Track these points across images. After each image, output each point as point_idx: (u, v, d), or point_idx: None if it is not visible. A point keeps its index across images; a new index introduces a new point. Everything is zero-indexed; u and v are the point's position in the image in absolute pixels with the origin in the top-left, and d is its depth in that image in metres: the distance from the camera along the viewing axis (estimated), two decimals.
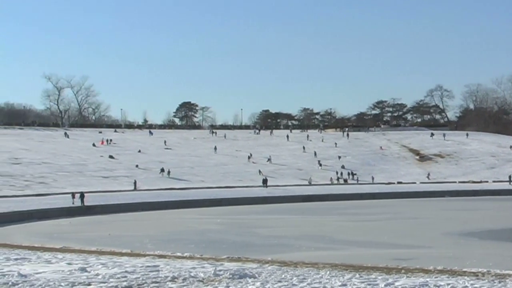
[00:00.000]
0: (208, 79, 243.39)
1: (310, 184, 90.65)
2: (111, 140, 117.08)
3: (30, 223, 49.01)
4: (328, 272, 14.71)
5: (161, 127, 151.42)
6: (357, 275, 14.17)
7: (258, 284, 12.83)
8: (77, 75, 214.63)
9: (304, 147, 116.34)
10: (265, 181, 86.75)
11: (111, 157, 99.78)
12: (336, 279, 13.60)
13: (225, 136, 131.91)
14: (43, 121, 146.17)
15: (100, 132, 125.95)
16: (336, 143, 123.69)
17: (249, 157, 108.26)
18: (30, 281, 13.10)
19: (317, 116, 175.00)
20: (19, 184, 78.02)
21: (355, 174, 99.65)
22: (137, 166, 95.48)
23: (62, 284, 12.71)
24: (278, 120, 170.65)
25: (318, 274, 14.40)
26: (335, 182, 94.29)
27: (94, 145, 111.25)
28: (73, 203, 59.74)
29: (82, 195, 60.31)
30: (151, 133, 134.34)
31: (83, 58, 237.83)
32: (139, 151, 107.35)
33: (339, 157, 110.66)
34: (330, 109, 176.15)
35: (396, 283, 13.09)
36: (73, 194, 60.90)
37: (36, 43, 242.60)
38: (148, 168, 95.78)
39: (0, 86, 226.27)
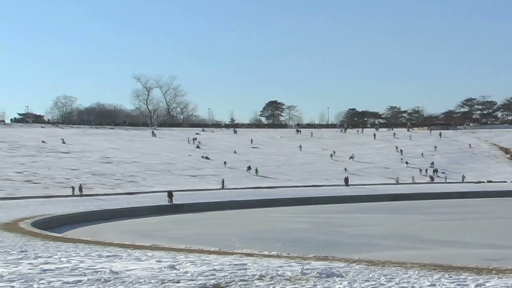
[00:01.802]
0: (294, 78, 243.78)
1: (397, 183, 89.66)
2: (195, 139, 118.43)
3: (121, 221, 49.96)
4: (416, 272, 14.56)
5: (248, 126, 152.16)
6: (446, 275, 13.98)
7: (345, 283, 12.79)
8: (165, 76, 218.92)
9: (397, 147, 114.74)
10: (346, 180, 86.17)
11: (206, 158, 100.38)
12: (424, 279, 13.45)
13: (311, 135, 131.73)
14: (132, 121, 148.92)
15: (198, 134, 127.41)
16: (424, 142, 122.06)
17: (331, 155, 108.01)
18: (121, 278, 13.38)
19: (404, 115, 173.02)
20: (110, 183, 79.63)
21: (443, 172, 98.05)
22: (225, 163, 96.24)
23: (152, 281, 12.93)
24: (365, 119, 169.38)
25: (406, 274, 14.27)
26: (419, 181, 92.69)
27: (191, 140, 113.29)
28: (168, 202, 60.71)
29: (171, 194, 61.23)
30: (235, 131, 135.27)
31: (171, 58, 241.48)
32: (235, 151, 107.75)
33: (426, 156, 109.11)
34: (418, 107, 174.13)
35: (487, 284, 12.86)
36: (169, 193, 61.92)
37: (126, 44, 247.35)
38: (235, 167, 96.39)
39: (91, 87, 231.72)
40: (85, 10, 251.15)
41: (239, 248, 25.70)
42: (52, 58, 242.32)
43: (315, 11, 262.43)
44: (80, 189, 69.74)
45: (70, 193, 68.19)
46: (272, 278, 13.47)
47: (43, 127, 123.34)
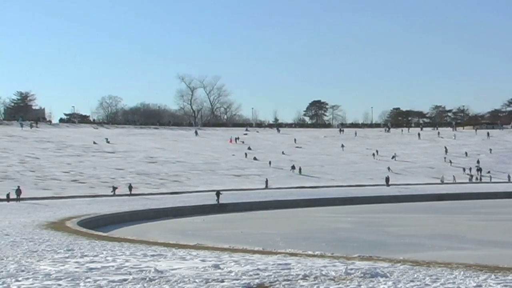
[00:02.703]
0: (338, 77, 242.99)
1: (442, 183, 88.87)
2: (238, 138, 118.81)
3: (165, 220, 50.27)
4: (462, 273, 14.42)
5: (291, 125, 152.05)
6: (493, 276, 13.83)
7: (390, 283, 12.73)
8: (209, 75, 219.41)
9: (446, 148, 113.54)
10: (387, 180, 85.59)
11: (254, 159, 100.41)
12: (470, 279, 13.32)
13: (355, 134, 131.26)
14: (177, 121, 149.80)
15: (246, 134, 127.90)
16: (469, 141, 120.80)
17: (373, 155, 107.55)
18: (166, 277, 13.48)
19: (449, 114, 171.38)
20: (155, 183, 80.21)
21: (488, 172, 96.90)
22: (270, 163, 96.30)
23: (197, 280, 13.01)
24: (409, 118, 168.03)
25: (451, 275, 14.15)
26: (461, 180, 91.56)
27: (234, 139, 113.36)
28: (216, 201, 61.06)
29: (218, 193, 61.65)
30: (278, 130, 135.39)
31: (215, 58, 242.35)
32: (283, 152, 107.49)
33: (471, 155, 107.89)
34: (463, 106, 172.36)
35: None
36: (217, 192, 62.31)
37: (171, 45, 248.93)
38: (279, 166, 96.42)
39: (136, 87, 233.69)
40: (130, 11, 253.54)
41: (283, 247, 25.68)
42: (98, 59, 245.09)
43: (359, 10, 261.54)
44: (130, 188, 70.41)
45: (119, 193, 68.84)
46: (316, 278, 13.46)
47: (96, 128, 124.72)
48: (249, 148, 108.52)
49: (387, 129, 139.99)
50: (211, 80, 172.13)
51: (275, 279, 13.28)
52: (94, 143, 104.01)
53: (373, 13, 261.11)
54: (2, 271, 14.48)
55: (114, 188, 69.75)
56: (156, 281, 12.99)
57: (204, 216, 54.12)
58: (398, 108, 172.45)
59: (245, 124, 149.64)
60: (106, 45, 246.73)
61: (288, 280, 13.13)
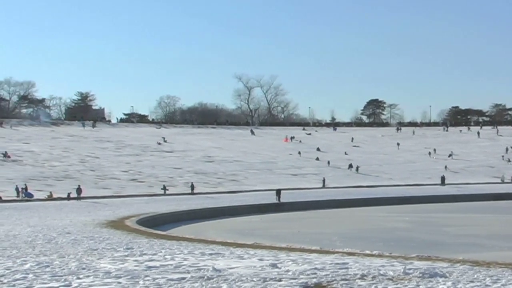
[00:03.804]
0: (396, 76, 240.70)
1: (502, 182, 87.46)
2: (293, 137, 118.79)
3: (223, 219, 50.49)
4: None
5: (348, 124, 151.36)
6: None
7: (449, 283, 12.61)
8: (266, 75, 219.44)
9: (507, 148, 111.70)
10: (443, 179, 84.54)
11: (316, 159, 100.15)
12: None
13: (413, 133, 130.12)
14: (234, 120, 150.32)
15: (309, 134, 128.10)
16: None
17: (430, 153, 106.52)
18: (224, 276, 13.56)
19: (510, 112, 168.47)
20: (212, 182, 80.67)
21: None
22: (328, 163, 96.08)
23: (254, 279, 13.06)
24: (468, 117, 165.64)
25: None
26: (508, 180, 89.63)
27: (290, 138, 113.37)
28: (277, 200, 61.29)
29: (279, 192, 61.89)
30: (334, 129, 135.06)
31: (272, 57, 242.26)
32: (345, 153, 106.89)
33: None
34: None
35: None
36: (277, 192, 62.58)
37: (228, 44, 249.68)
38: (336, 165, 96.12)
39: (194, 87, 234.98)
40: (187, 11, 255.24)
41: (340, 247, 25.61)
42: (156, 59, 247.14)
43: (417, 8, 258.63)
44: (192, 187, 71.05)
45: (180, 192, 69.51)
46: (374, 277, 13.41)
47: (158, 127, 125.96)
48: (318, 149, 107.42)
49: (446, 128, 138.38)
50: (268, 79, 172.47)
51: (333, 278, 13.27)
52: (158, 143, 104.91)
53: (431, 11, 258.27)
54: (64, 269, 14.74)
55: (165, 188, 70.37)
56: (214, 279, 13.08)
57: (261, 215, 54.22)
58: (457, 107, 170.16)
59: (302, 123, 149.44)
60: (164, 46, 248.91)
61: (346, 279, 13.11)
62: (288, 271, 14.40)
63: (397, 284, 12.60)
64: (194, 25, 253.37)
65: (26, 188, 61.57)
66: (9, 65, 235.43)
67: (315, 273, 13.96)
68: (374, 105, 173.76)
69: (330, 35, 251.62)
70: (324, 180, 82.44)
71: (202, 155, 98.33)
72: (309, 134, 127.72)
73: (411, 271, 14.10)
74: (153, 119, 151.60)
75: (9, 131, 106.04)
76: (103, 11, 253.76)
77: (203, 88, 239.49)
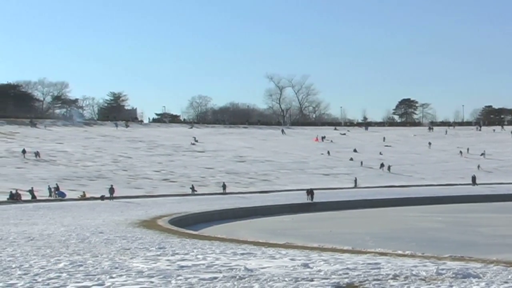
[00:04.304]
0: (428, 75, 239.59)
1: None
2: (324, 137, 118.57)
3: (254, 219, 50.52)
4: None
5: (380, 124, 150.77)
6: None
7: (482, 284, 12.51)
8: (297, 74, 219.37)
9: None
10: (474, 179, 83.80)
11: (350, 159, 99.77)
12: None
13: (446, 133, 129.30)
14: (265, 120, 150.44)
15: (344, 134, 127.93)
16: None
17: (461, 152, 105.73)
18: (255, 276, 13.58)
19: None
20: (244, 182, 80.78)
21: None
22: (361, 163, 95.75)
23: (286, 279, 13.05)
24: (502, 116, 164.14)
25: None
26: None
27: (321, 138, 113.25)
28: (307, 199, 61.38)
29: (311, 192, 61.89)
30: (366, 128, 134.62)
31: (303, 57, 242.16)
32: (380, 153, 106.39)
33: None
34: None
35: None
36: (307, 191, 62.62)
37: (259, 44, 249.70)
38: (368, 165, 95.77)
39: (225, 87, 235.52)
40: (218, 10, 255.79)
41: (372, 247, 25.49)
42: (188, 59, 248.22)
43: (448, 8, 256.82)
44: (224, 187, 71.28)
45: (212, 191, 69.74)
46: (406, 277, 13.35)
47: (191, 127, 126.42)
48: (354, 150, 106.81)
49: (479, 127, 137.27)
50: (299, 79, 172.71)
51: (365, 278, 13.23)
52: (192, 144, 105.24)
53: (464, 10, 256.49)
54: (97, 268, 14.86)
55: (193, 188, 70.59)
56: (246, 279, 13.10)
57: (293, 215, 54.19)
58: (490, 106, 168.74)
59: (334, 123, 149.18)
60: (195, 45, 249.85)
61: (378, 279, 13.06)
62: (320, 271, 14.38)
63: (430, 284, 12.53)
64: (225, 24, 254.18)
65: (57, 188, 62.09)
66: (43, 66, 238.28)
67: (347, 273, 13.94)
68: (406, 105, 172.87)
69: (362, 35, 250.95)
70: (355, 180, 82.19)
71: (233, 155, 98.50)
72: (344, 134, 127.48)
73: (444, 271, 14.02)
74: (184, 119, 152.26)
75: (43, 131, 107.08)
76: (136, 11, 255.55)
77: (235, 88, 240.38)
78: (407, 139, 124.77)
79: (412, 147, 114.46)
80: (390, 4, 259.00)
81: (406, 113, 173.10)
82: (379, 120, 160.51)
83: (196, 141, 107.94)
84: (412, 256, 18.75)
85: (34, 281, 12.81)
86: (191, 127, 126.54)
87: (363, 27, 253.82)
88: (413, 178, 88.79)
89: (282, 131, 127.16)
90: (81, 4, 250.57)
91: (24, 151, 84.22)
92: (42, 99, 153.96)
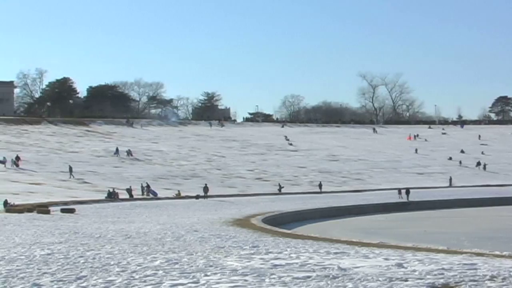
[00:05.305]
0: None
1: None
2: (417, 135, 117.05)
3: (348, 218, 50.35)
4: None
5: (476, 122, 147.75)
6: None
7: None
8: (391, 73, 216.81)
9: None
10: None
11: (449, 159, 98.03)
12: None
13: None
14: (358, 119, 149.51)
15: (430, 127, 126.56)
16: None
17: None
18: (349, 275, 13.54)
19: None
20: (337, 181, 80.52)
21: None
22: (460, 162, 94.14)
23: (380, 279, 12.97)
24: None
25: None
26: None
27: (413, 136, 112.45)
28: (400, 198, 60.91)
29: (407, 191, 61.32)
30: (462, 126, 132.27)
31: (396, 55, 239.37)
32: (482, 153, 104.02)
33: None
34: None
35: None
36: (399, 190, 62.09)
37: (352, 43, 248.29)
38: (464, 164, 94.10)
39: (318, 86, 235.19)
40: (311, 10, 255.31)
41: (468, 247, 25.08)
42: (280, 58, 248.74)
43: None
44: (320, 186, 71.24)
45: (300, 191, 69.69)
46: (504, 279, 13.08)
47: (282, 127, 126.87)
48: (462, 151, 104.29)
49: None
50: (392, 77, 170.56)
51: (461, 279, 13.03)
52: (290, 144, 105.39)
53: None
54: (192, 266, 15.07)
55: (280, 186, 70.63)
56: (339, 278, 13.08)
57: (386, 214, 53.77)
58: None
59: (428, 121, 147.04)
60: (288, 44, 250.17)
61: (475, 280, 12.84)
62: (414, 271, 14.23)
63: None
64: (317, 23, 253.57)
65: (148, 186, 62.86)
66: (139, 66, 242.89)
67: (442, 274, 13.75)
68: (503, 102, 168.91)
69: (455, 32, 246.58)
70: (450, 179, 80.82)
71: (326, 154, 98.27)
72: (444, 133, 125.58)
73: None
74: (277, 118, 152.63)
75: (139, 131, 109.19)
76: (229, 11, 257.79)
77: (327, 87, 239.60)
78: (504, 137, 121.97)
79: (509, 146, 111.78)
80: (482, 1, 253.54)
81: (503, 111, 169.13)
82: (474, 118, 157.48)
83: (287, 140, 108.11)
84: (510, 257, 18.37)
85: (132, 278, 13.10)
86: (283, 126, 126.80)
87: (457, 25, 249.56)
88: (510, 177, 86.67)
89: (374, 129, 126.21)
90: (175, 5, 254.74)
91: (117, 150, 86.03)
92: (138, 99, 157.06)
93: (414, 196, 62.88)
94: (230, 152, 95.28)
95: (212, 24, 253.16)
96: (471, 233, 38.93)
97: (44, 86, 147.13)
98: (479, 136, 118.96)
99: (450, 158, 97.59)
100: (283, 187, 71.02)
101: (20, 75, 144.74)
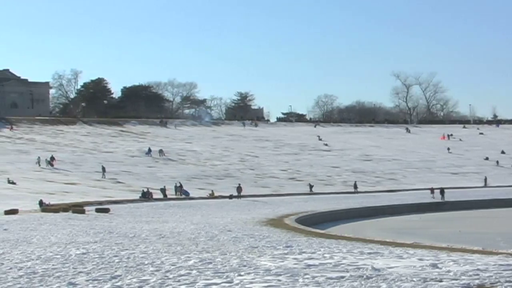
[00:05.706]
0: None
1: None
2: (451, 135, 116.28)
3: (381, 218, 50.15)
4: None
5: (511, 122, 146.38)
6: None
7: None
8: (424, 72, 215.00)
9: None
10: None
11: (486, 158, 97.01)
12: None
13: None
14: (392, 118, 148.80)
15: (464, 127, 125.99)
16: None
17: None
18: (383, 275, 13.49)
19: None
20: (371, 180, 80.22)
21: None
22: (497, 162, 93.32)
23: (414, 279, 12.92)
24: None
25: None
26: None
27: (447, 136, 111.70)
28: (432, 198, 60.60)
29: (442, 191, 60.98)
30: (497, 125, 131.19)
31: (430, 54, 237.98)
32: (503, 152, 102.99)
33: None
34: None
35: None
36: (431, 190, 61.75)
37: (385, 42, 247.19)
38: (500, 163, 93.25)
39: (351, 85, 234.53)
40: (344, 10, 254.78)
41: (504, 248, 24.83)
42: (314, 58, 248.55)
43: None
44: (355, 186, 71.13)
45: (333, 191, 69.55)
46: None
47: (315, 126, 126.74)
48: (502, 152, 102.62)
49: None
50: (426, 76, 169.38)
51: (496, 280, 12.93)
52: (325, 144, 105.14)
53: None
54: (225, 266, 15.12)
55: (311, 186, 70.53)
56: (373, 279, 13.04)
57: (420, 214, 53.46)
58: None
59: (463, 120, 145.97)
60: (321, 44, 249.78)
61: (511, 281, 12.73)
62: (449, 271, 14.14)
63: None
64: (351, 22, 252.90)
65: (181, 186, 63.00)
66: (173, 67, 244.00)
67: (478, 274, 13.65)
68: None
69: (490, 31, 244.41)
70: (485, 179, 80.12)
71: (360, 153, 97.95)
72: (481, 133, 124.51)
73: None
74: (310, 118, 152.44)
75: (173, 131, 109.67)
76: (263, 11, 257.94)
77: (361, 87, 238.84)
78: None
79: None
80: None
81: None
82: (509, 117, 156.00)
83: (321, 140, 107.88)
84: None
85: (166, 278, 13.18)
86: (315, 126, 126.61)
87: (491, 24, 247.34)
88: None
89: (407, 129, 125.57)
90: (209, 5, 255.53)
91: (149, 150, 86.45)
92: (171, 99, 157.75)
93: (449, 196, 62.43)
94: (263, 152, 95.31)
95: (245, 24, 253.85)
96: (507, 233, 38.55)
97: (79, 87, 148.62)
98: None
99: (487, 158, 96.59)
100: (313, 186, 70.94)
101: (56, 76, 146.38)
